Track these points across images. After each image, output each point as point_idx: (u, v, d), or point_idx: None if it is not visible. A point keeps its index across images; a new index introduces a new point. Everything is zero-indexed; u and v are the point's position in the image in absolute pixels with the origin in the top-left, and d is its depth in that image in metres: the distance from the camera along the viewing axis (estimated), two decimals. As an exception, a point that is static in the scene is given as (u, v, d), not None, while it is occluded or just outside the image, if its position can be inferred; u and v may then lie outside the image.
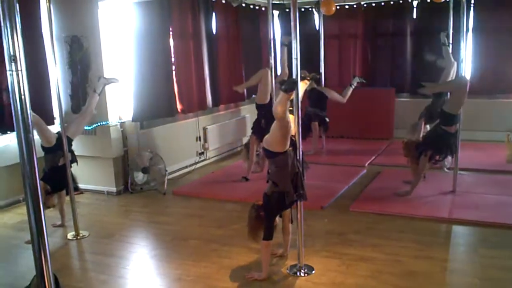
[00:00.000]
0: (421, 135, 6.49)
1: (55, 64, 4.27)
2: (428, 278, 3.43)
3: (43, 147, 4.56)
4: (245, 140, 7.80)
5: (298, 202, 3.52)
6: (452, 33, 6.37)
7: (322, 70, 7.71)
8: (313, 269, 3.58)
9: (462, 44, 5.14)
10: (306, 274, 3.52)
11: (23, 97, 1.53)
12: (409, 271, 3.52)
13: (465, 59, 5.18)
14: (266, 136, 3.58)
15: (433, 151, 5.18)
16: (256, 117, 6.40)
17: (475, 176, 5.96)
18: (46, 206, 4.54)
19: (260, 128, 6.08)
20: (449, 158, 5.47)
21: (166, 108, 6.21)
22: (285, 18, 8.73)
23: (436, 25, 7.81)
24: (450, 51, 6.22)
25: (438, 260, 3.73)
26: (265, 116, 6.02)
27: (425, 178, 5.50)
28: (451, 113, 5.10)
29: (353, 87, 7.29)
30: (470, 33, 7.55)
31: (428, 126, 6.64)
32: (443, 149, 5.22)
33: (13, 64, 1.50)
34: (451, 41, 6.24)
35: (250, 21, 8.15)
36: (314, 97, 7.28)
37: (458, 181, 5.28)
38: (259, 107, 6.29)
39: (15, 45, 1.50)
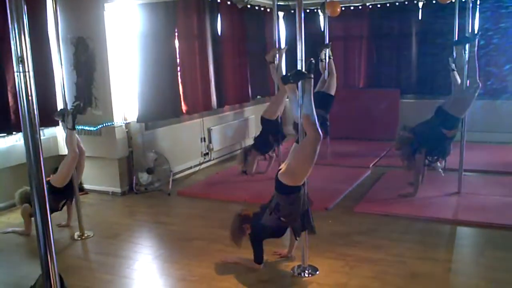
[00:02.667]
0: None
1: (61, 65, 4.29)
2: (432, 279, 3.42)
3: (49, 185, 4.46)
4: (248, 141, 7.81)
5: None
6: (457, 34, 6.34)
7: (327, 71, 7.69)
8: (317, 270, 3.59)
9: (467, 45, 5.12)
10: (310, 275, 3.53)
11: (30, 98, 1.54)
12: (413, 272, 3.51)
13: (469, 60, 5.16)
14: (283, 168, 3.43)
15: (427, 150, 5.17)
16: (259, 132, 6.39)
17: (480, 177, 5.94)
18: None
19: (267, 144, 6.15)
20: (441, 161, 5.41)
21: (171, 109, 6.22)
22: (290, 19, 8.74)
23: (441, 26, 7.81)
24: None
25: (442, 261, 3.73)
26: (272, 131, 6.10)
27: (422, 182, 5.39)
28: (455, 116, 5.08)
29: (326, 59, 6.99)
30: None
31: None
32: (435, 151, 5.20)
33: (20, 65, 1.51)
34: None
35: (255, 22, 8.16)
36: (320, 98, 7.24)
37: (463, 182, 5.27)
38: (266, 121, 6.18)
39: (23, 46, 1.51)
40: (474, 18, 7.39)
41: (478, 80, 5.06)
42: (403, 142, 5.39)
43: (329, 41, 7.32)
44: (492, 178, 5.90)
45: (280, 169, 3.53)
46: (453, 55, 5.61)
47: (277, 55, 5.92)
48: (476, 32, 5.17)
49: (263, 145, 6.24)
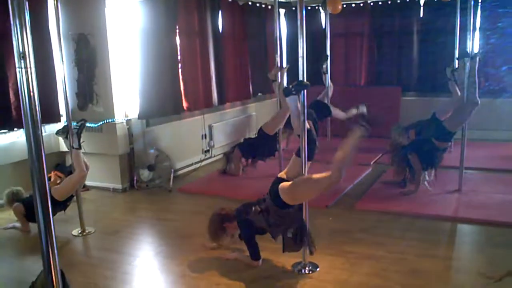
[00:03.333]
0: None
1: (62, 62, 4.29)
2: (433, 276, 3.43)
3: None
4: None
5: (304, 203, 3.52)
6: (459, 32, 6.34)
7: (328, 68, 7.70)
8: (317, 267, 3.59)
9: (468, 43, 5.12)
10: (310, 272, 3.53)
11: (32, 94, 1.54)
12: (414, 269, 3.52)
13: (471, 58, 5.15)
14: (286, 185, 3.39)
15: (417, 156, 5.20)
16: (254, 138, 6.51)
17: (481, 175, 5.94)
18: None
19: (253, 153, 6.27)
20: (429, 172, 5.40)
21: (172, 105, 6.22)
22: (291, 16, 8.73)
23: (443, 24, 7.80)
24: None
25: (443, 258, 3.73)
26: (265, 146, 6.20)
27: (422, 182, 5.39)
28: (449, 130, 5.10)
29: (356, 112, 7.34)
30: (477, 32, 7.51)
31: None
32: (424, 161, 5.21)
33: (22, 61, 1.52)
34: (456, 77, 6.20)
35: (256, 19, 8.15)
36: (318, 108, 7.13)
37: (464, 180, 5.27)
38: (263, 135, 6.22)
39: (25, 42, 1.51)
40: (476, 16, 7.41)
41: (477, 97, 5.03)
42: (394, 147, 5.45)
43: (330, 38, 7.34)
44: (493, 176, 5.90)
45: (282, 178, 3.52)
46: (453, 66, 5.60)
47: (279, 73, 5.94)
48: (478, 50, 5.16)
49: (248, 151, 6.32)
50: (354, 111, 7.43)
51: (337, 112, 7.32)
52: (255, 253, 3.65)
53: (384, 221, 4.55)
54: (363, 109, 7.44)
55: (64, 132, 4.44)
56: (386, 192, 5.36)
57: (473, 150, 6.38)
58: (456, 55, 6.18)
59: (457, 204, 4.92)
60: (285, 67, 6.06)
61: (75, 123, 4.45)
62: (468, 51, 5.10)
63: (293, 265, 3.64)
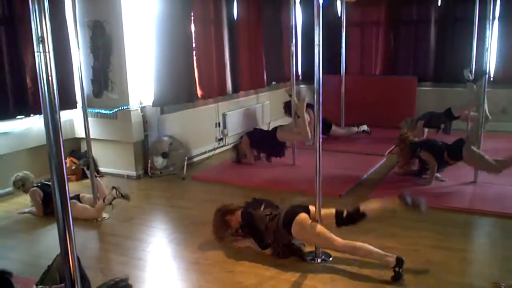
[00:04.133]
0: (424, 136, 6.55)
1: (78, 48, 4.30)
2: (447, 268, 3.40)
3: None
4: (263, 127, 7.81)
5: (318, 189, 3.50)
6: (478, 21, 6.24)
7: (343, 57, 7.64)
8: (330, 256, 3.59)
9: (488, 33, 5.03)
10: (323, 261, 3.53)
11: (50, 77, 1.55)
12: (428, 260, 3.50)
13: (490, 47, 5.07)
14: (304, 223, 3.49)
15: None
16: (268, 132, 6.54)
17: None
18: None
19: (262, 145, 6.31)
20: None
21: (186, 93, 6.23)
22: (307, 4, 8.65)
23: (461, 13, 7.68)
24: (474, 86, 6.09)
25: (457, 250, 3.70)
26: (276, 145, 6.22)
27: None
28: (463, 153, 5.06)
29: (357, 131, 7.50)
30: (496, 21, 7.38)
31: (426, 130, 6.66)
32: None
33: (41, 45, 1.52)
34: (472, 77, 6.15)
35: (272, 7, 8.10)
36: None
37: (479, 171, 5.21)
38: (276, 139, 6.28)
39: (43, 26, 1.52)
40: (495, 4, 7.27)
41: (488, 114, 5.02)
42: (402, 140, 5.41)
43: (346, 27, 7.26)
44: (509, 168, 5.80)
45: (305, 208, 3.61)
46: (470, 67, 5.56)
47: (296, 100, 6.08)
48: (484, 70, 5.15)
49: (257, 142, 6.31)
50: (354, 129, 7.46)
51: (336, 129, 7.32)
52: (261, 243, 3.66)
53: (398, 212, 4.50)
54: (364, 127, 7.46)
55: (85, 163, 4.67)
56: (400, 182, 5.32)
57: (490, 142, 6.29)
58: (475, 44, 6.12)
59: (472, 196, 4.87)
60: (304, 100, 6.03)
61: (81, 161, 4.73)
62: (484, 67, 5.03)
63: (306, 254, 3.63)
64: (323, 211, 3.55)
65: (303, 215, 3.53)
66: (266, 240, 3.62)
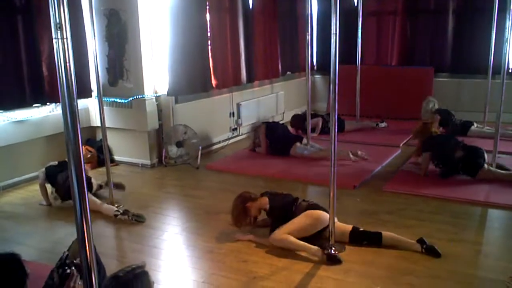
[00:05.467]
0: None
1: (94, 37, 4.31)
2: (461, 260, 3.38)
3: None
4: (277, 118, 7.79)
5: (332, 180, 3.49)
6: (497, 12, 6.13)
7: (359, 47, 7.56)
8: (344, 247, 3.58)
9: (508, 23, 4.94)
10: (337, 252, 3.52)
11: (68, 64, 1.55)
12: (442, 253, 3.46)
13: (510, 39, 4.97)
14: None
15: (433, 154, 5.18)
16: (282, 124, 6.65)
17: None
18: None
19: (275, 137, 6.26)
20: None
21: (201, 83, 6.23)
22: (322, -6, 8.57)
23: (480, 3, 7.54)
24: None
25: (472, 243, 3.68)
26: (288, 141, 6.22)
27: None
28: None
29: (375, 126, 7.44)
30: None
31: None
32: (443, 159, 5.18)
33: (59, 31, 1.53)
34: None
35: (287, -4, 8.04)
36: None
37: (495, 162, 5.14)
38: (288, 131, 6.46)
39: (61, 13, 1.52)
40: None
41: None
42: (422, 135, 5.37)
43: (362, 17, 7.18)
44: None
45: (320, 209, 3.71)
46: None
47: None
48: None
49: (271, 134, 6.29)
50: (372, 125, 7.51)
51: (349, 127, 7.30)
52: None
53: (412, 203, 4.49)
54: (383, 125, 7.47)
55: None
56: (415, 174, 5.27)
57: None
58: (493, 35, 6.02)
59: (488, 188, 4.81)
60: None
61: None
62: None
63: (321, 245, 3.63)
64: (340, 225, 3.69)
65: (322, 214, 3.62)
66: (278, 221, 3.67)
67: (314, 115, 7.06)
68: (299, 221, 3.60)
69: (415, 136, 5.60)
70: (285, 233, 3.53)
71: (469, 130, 6.69)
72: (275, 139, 6.25)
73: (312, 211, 3.65)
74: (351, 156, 5.67)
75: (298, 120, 7.13)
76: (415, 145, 5.57)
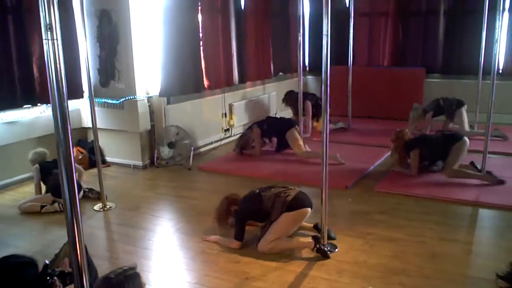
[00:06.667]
0: (428, 129, 6.55)
1: (85, 38, 4.30)
2: (452, 260, 3.40)
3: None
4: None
5: (324, 181, 3.50)
6: (487, 13, 6.17)
7: (351, 48, 7.59)
8: (336, 248, 3.59)
9: (497, 24, 4.97)
10: (329, 252, 3.52)
11: (58, 65, 1.55)
12: (433, 252, 3.49)
13: (500, 40, 5.01)
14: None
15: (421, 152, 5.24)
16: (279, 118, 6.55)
17: (504, 160, 5.83)
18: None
19: (275, 130, 6.25)
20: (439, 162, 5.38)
21: (193, 83, 6.22)
22: (314, -6, 8.59)
23: (470, 4, 7.59)
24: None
25: (463, 243, 3.70)
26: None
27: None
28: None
29: (333, 128, 7.28)
30: (506, 13, 7.30)
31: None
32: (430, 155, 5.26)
33: (49, 32, 1.52)
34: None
35: (279, -3, 8.06)
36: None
37: (487, 164, 5.16)
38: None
39: (52, 14, 1.51)
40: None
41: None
42: (398, 137, 5.42)
43: (354, 18, 7.20)
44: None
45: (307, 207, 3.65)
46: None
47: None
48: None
49: (271, 131, 6.29)
50: (331, 126, 7.20)
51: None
52: (240, 234, 3.65)
53: (404, 204, 4.51)
54: (340, 124, 7.50)
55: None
56: (407, 175, 5.30)
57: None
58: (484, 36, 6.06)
59: (479, 188, 4.84)
60: None
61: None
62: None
63: (314, 237, 3.62)
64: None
65: (299, 214, 3.60)
66: (269, 219, 3.65)
67: (305, 95, 7.11)
68: (279, 227, 3.56)
69: (395, 143, 5.50)
70: (271, 241, 3.53)
71: (463, 106, 6.78)
72: (275, 132, 6.27)
73: (290, 214, 3.56)
74: (339, 159, 5.70)
75: (291, 97, 7.19)
76: (395, 154, 5.53)
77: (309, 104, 7.18)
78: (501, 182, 4.87)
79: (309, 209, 3.61)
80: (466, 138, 5.16)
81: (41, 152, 4.80)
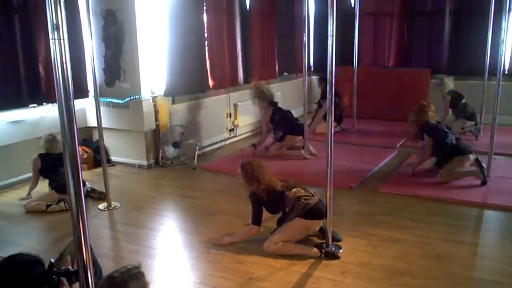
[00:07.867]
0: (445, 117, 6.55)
1: (91, 37, 4.31)
2: (457, 261, 3.39)
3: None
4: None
5: (329, 182, 3.49)
6: (493, 13, 6.15)
7: (356, 48, 7.57)
8: (341, 248, 3.58)
9: (504, 24, 4.95)
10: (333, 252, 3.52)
11: (64, 65, 1.55)
12: (438, 254, 3.48)
13: (506, 40, 4.99)
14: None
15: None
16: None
17: (510, 161, 5.80)
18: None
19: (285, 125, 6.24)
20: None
21: (198, 83, 6.22)
22: (320, -5, 8.58)
23: (476, 4, 7.56)
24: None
25: (468, 244, 3.69)
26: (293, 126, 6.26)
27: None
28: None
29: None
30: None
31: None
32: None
33: (55, 32, 1.52)
34: None
35: (285, -3, 8.05)
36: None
37: (492, 166, 5.14)
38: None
39: (58, 13, 1.52)
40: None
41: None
42: (419, 114, 5.31)
43: (359, 18, 7.17)
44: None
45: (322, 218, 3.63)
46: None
47: None
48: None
49: (278, 122, 6.27)
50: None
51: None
52: (258, 218, 3.63)
53: (409, 204, 4.50)
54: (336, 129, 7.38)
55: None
56: (412, 176, 5.28)
57: (504, 136, 6.24)
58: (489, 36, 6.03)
59: (485, 190, 4.82)
60: None
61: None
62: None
63: (317, 245, 3.63)
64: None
65: (313, 224, 3.62)
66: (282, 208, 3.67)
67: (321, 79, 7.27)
68: (289, 230, 3.56)
69: (414, 117, 5.39)
70: (277, 243, 3.53)
71: (476, 117, 6.77)
72: (280, 119, 6.27)
73: (304, 221, 3.55)
74: (304, 153, 5.92)
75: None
76: (409, 132, 5.48)
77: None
78: (484, 183, 4.86)
79: (323, 220, 3.61)
80: (472, 155, 5.02)
81: (48, 139, 4.68)
